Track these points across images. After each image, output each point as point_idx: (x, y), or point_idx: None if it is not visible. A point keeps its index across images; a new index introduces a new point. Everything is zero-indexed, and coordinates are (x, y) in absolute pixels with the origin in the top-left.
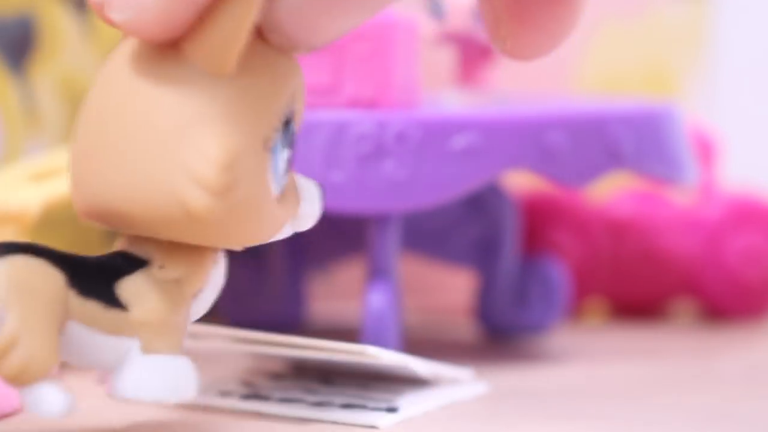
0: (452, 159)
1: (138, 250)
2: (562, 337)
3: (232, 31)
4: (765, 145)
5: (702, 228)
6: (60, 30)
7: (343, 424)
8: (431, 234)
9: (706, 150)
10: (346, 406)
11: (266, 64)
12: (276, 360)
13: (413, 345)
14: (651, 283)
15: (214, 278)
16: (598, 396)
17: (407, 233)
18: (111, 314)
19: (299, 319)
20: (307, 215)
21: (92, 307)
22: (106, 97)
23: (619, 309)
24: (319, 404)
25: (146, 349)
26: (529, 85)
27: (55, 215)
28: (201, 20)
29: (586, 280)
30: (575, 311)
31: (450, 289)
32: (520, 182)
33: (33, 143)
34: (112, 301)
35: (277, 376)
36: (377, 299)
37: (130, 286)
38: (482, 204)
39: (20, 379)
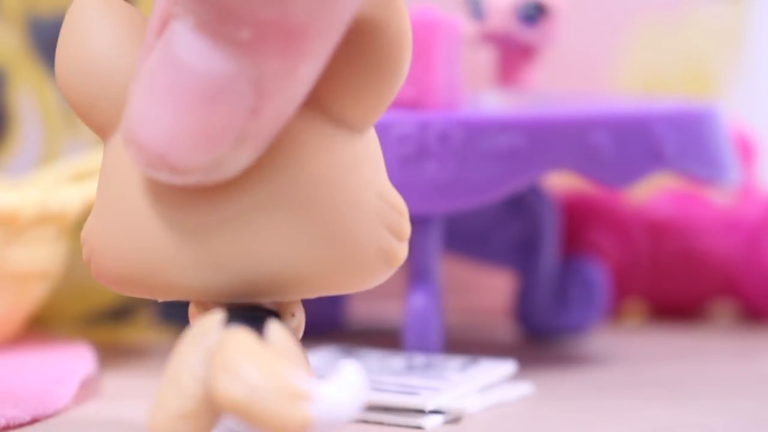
0: (495, 160)
1: (267, 302)
2: (601, 338)
3: (386, 92)
4: None
5: (741, 229)
6: None
7: (388, 424)
8: (471, 235)
9: (745, 150)
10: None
11: None
12: None
13: (453, 346)
14: (690, 284)
15: None
16: (638, 397)
17: (447, 234)
18: None
19: (339, 320)
20: None
21: None
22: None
23: (658, 310)
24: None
25: None
26: (568, 86)
27: None
28: (351, 81)
29: (626, 281)
30: (614, 312)
31: (489, 290)
32: (560, 182)
33: (72, 144)
34: None
35: None
36: (419, 300)
37: (273, 335)
38: (522, 204)
39: None
